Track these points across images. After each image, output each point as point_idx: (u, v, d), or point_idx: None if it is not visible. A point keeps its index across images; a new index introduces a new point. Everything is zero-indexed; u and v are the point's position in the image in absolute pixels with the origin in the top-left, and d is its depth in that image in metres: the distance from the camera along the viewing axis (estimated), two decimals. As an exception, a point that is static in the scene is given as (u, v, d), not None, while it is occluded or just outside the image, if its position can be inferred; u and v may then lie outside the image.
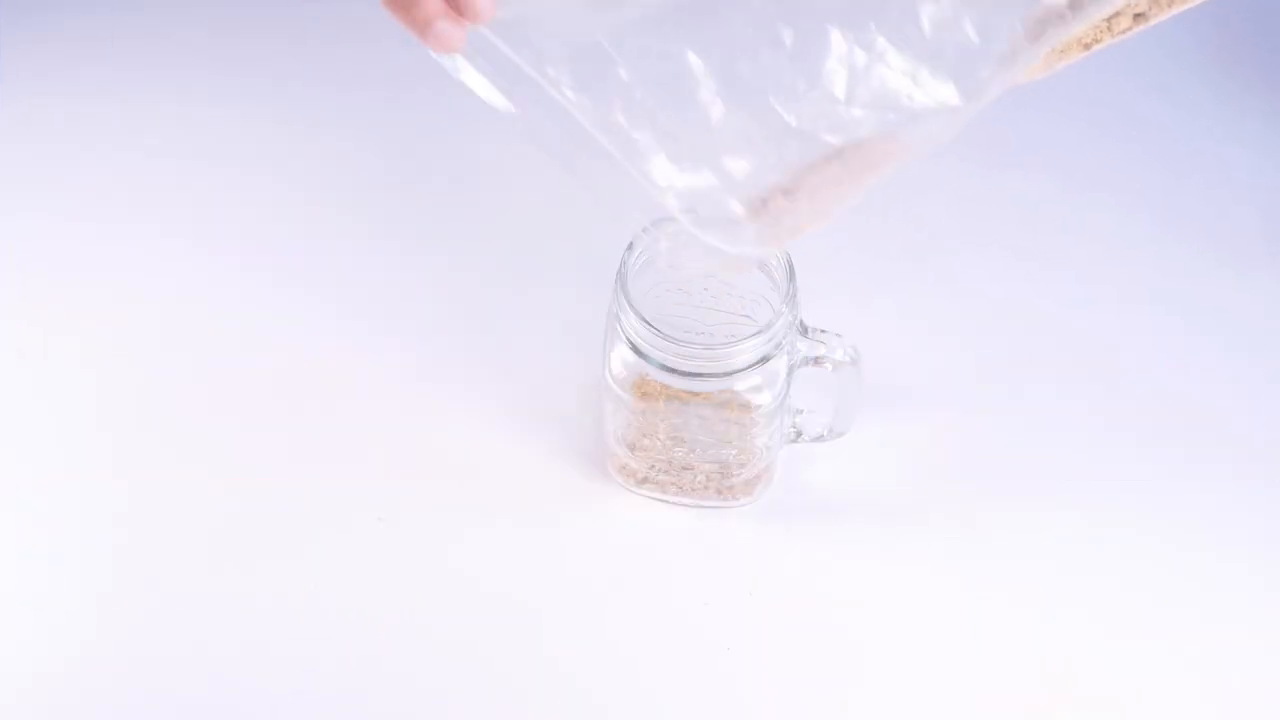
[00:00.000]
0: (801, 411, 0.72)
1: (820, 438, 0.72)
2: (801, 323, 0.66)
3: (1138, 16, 0.54)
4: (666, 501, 0.72)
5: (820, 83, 0.50)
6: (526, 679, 0.66)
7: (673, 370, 0.63)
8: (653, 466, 0.70)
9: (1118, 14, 0.54)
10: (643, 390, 0.66)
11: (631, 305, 0.63)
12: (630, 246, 0.64)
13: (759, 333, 0.63)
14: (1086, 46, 0.55)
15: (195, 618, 0.67)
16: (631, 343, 0.64)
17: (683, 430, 0.67)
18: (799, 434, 0.72)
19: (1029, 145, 0.87)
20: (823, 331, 0.67)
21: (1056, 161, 0.86)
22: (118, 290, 0.80)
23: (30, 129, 0.87)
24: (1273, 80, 0.91)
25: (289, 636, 0.67)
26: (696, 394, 0.65)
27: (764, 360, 0.63)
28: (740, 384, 0.65)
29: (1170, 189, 0.85)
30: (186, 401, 0.75)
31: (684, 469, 0.70)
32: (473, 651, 0.66)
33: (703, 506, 0.72)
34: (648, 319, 0.62)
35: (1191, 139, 0.88)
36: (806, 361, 0.66)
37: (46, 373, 0.76)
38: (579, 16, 0.50)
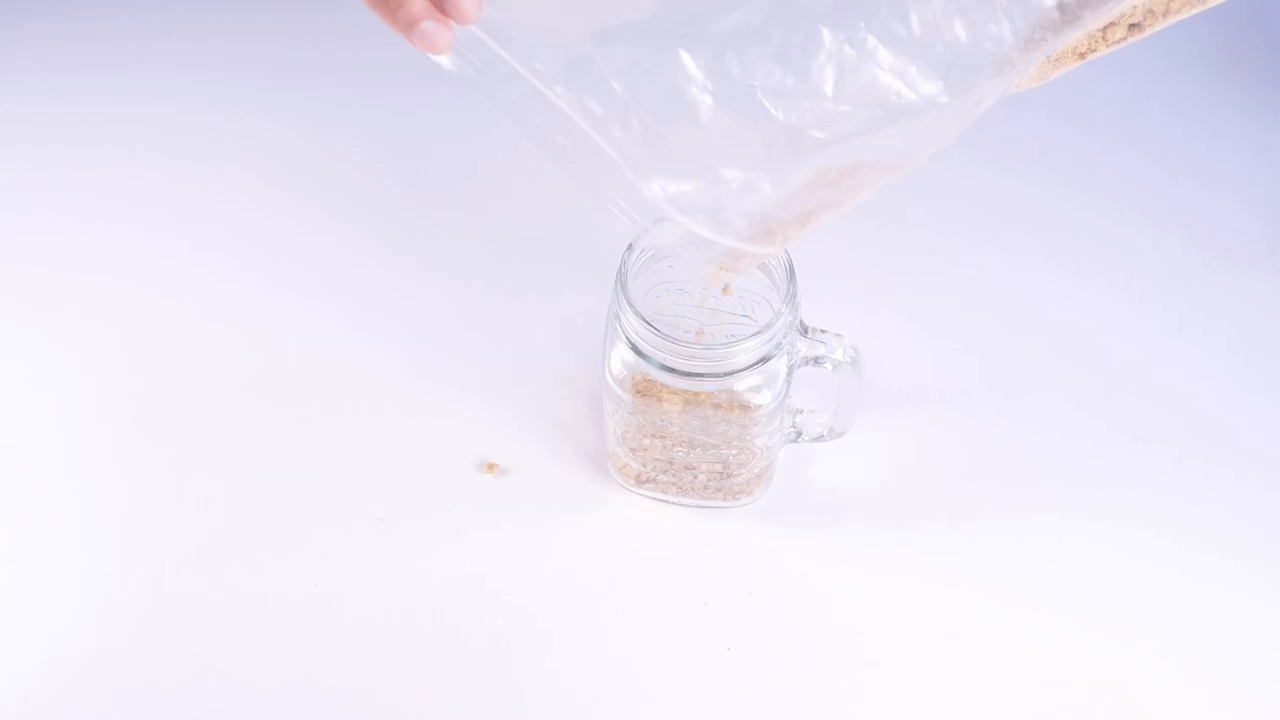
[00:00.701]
0: (801, 411, 0.72)
1: (820, 438, 0.72)
2: (801, 323, 0.66)
3: (1133, 27, 0.54)
4: (666, 501, 0.72)
5: (809, 80, 0.50)
6: (526, 678, 0.66)
7: (673, 370, 0.63)
8: (653, 466, 0.70)
9: (1112, 24, 0.54)
10: (643, 390, 0.66)
11: (631, 305, 0.63)
12: (630, 246, 0.64)
13: (759, 333, 0.62)
14: (1081, 56, 0.55)
15: (195, 618, 0.67)
16: (631, 343, 0.64)
17: (683, 430, 0.67)
18: (799, 434, 0.72)
19: (1028, 147, 0.87)
20: (823, 331, 0.67)
21: (1055, 163, 0.86)
22: (118, 290, 0.80)
23: (30, 129, 0.88)
24: (1272, 80, 0.91)
25: (288, 636, 0.67)
26: (697, 394, 0.65)
27: (764, 360, 0.63)
28: (740, 384, 0.65)
29: (1170, 190, 0.85)
30: (187, 402, 0.75)
31: (684, 469, 0.70)
32: (473, 651, 0.66)
33: (703, 506, 0.72)
34: (648, 319, 0.62)
35: (1191, 140, 0.88)
36: (806, 361, 0.66)
37: (47, 373, 0.76)
38: (567, 19, 0.50)
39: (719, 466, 0.69)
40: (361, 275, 0.80)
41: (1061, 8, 0.50)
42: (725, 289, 0.69)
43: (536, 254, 0.81)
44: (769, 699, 0.65)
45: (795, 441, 0.72)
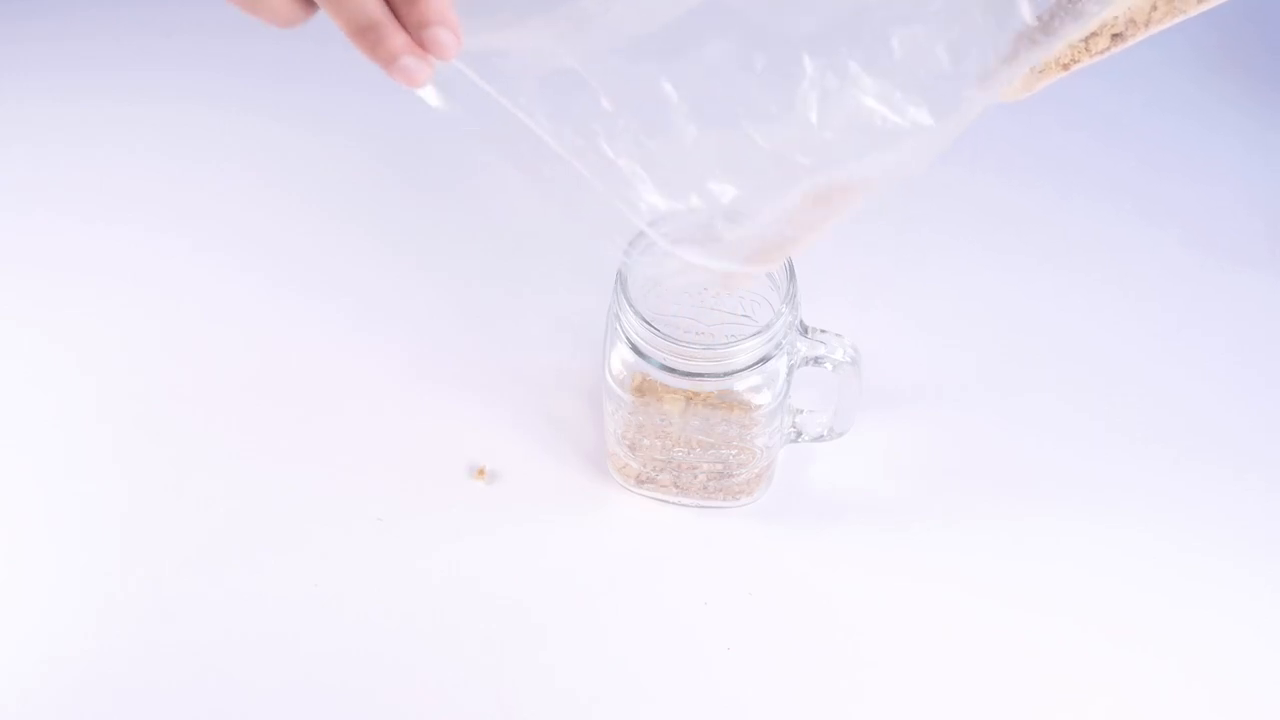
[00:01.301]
0: (801, 411, 0.72)
1: (820, 438, 0.72)
2: (801, 323, 0.66)
3: (1115, 37, 0.54)
4: (666, 501, 0.72)
5: (793, 106, 0.50)
6: (526, 678, 0.66)
7: (673, 370, 0.63)
8: (653, 466, 0.70)
9: (1095, 34, 0.54)
10: (643, 390, 0.66)
11: (631, 305, 0.63)
12: (631, 245, 0.64)
13: (759, 333, 0.63)
14: (1065, 67, 0.55)
15: (195, 618, 0.67)
16: (631, 343, 0.64)
17: (683, 430, 0.67)
18: (799, 434, 0.72)
19: (1025, 146, 0.87)
20: (823, 331, 0.67)
21: (1053, 162, 0.87)
22: (118, 290, 0.80)
23: (30, 129, 0.88)
24: (1269, 79, 0.91)
25: (288, 636, 0.67)
26: (697, 394, 0.65)
27: (764, 360, 0.63)
28: (740, 384, 0.65)
29: (1168, 189, 0.85)
30: (187, 402, 0.75)
31: (684, 469, 0.70)
32: (472, 651, 0.66)
33: (703, 506, 0.72)
34: (648, 319, 0.62)
35: (1188, 138, 0.88)
36: (806, 361, 0.66)
37: (47, 373, 0.76)
38: (548, 47, 0.50)
39: (719, 466, 0.69)
40: (362, 275, 0.80)
41: (1041, 22, 0.50)
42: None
43: (536, 253, 0.81)
44: (769, 699, 0.65)
45: (795, 441, 0.72)
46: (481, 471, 0.72)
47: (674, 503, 0.72)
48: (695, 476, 0.70)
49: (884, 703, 0.65)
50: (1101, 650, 0.66)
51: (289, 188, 0.85)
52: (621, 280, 0.64)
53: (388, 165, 0.86)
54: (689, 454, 0.68)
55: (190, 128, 0.88)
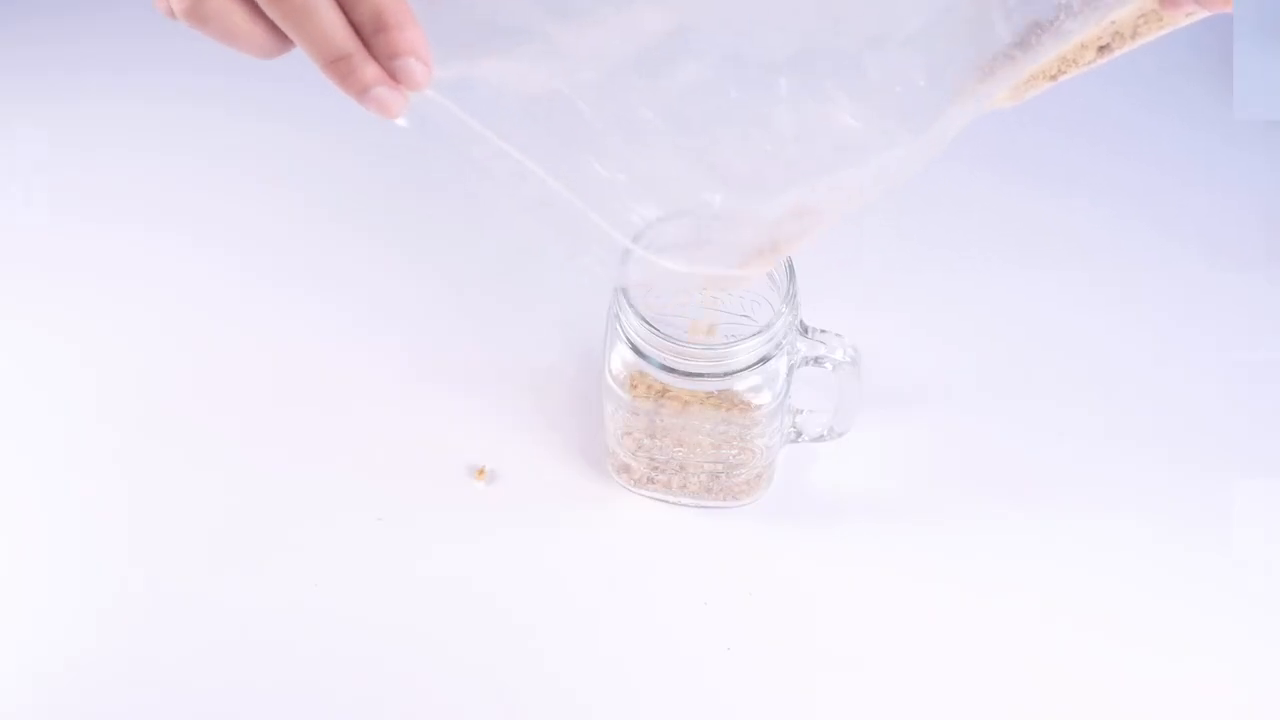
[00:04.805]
0: (801, 412, 0.72)
1: (820, 438, 0.72)
2: (802, 323, 0.66)
3: (1102, 49, 0.54)
4: (667, 501, 0.72)
5: (770, 124, 0.51)
6: (525, 679, 0.66)
7: (673, 370, 0.63)
8: (653, 466, 0.70)
9: (1082, 46, 0.54)
10: (642, 390, 0.66)
11: (631, 305, 0.63)
12: (622, 257, 0.64)
13: (759, 333, 0.63)
14: (1053, 78, 0.55)
15: (194, 617, 0.67)
16: (631, 342, 0.64)
17: (683, 430, 0.67)
18: (799, 434, 0.72)
19: (1028, 149, 0.87)
20: (823, 331, 0.67)
21: (1055, 166, 0.87)
22: (117, 291, 0.80)
23: (31, 129, 0.88)
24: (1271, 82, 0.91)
25: (287, 636, 0.67)
26: (696, 394, 0.65)
27: (764, 360, 0.63)
28: (740, 384, 0.65)
29: (1168, 192, 0.85)
30: (187, 401, 0.75)
31: (684, 469, 0.70)
32: (470, 651, 0.66)
33: (703, 507, 0.72)
34: (648, 319, 0.62)
35: (1188, 142, 0.88)
36: (806, 361, 0.66)
37: (47, 373, 0.76)
38: (526, 73, 0.50)
39: (719, 467, 0.69)
40: (362, 274, 0.80)
41: (1019, 39, 0.50)
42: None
43: (536, 253, 0.81)
44: (768, 699, 0.65)
45: (795, 441, 0.72)
46: (481, 472, 0.72)
47: (674, 503, 0.72)
48: (695, 477, 0.70)
49: (881, 703, 0.65)
50: (1099, 649, 0.67)
51: (289, 186, 0.85)
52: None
53: (388, 164, 0.86)
54: (689, 454, 0.68)
55: (190, 127, 0.88)
